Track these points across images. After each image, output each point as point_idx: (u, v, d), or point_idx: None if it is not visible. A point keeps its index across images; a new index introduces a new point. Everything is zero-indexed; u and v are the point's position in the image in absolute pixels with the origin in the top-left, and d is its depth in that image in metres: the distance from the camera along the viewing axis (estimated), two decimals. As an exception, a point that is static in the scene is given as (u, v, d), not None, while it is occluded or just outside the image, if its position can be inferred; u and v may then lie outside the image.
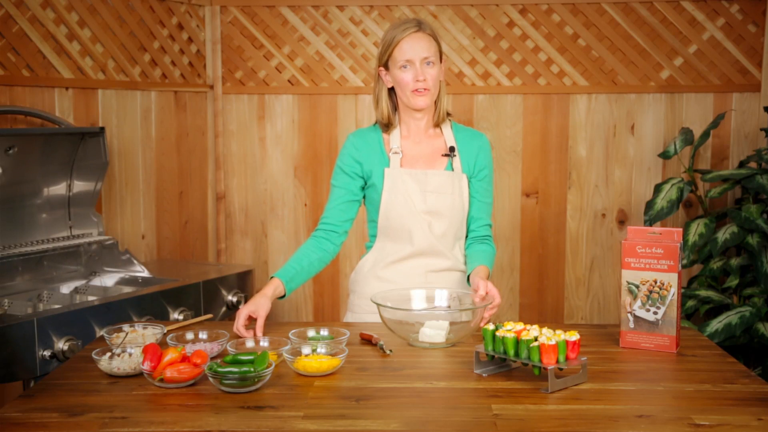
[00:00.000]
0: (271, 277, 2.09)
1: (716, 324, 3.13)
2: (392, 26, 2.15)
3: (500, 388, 1.62)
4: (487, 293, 1.97)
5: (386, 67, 2.16)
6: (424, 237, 2.16)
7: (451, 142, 2.22)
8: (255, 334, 1.94)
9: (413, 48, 2.10)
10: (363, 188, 2.24)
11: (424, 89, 2.12)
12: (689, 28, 3.61)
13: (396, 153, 2.19)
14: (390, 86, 2.19)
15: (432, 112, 2.22)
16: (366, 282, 2.24)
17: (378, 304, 1.92)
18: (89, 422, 1.45)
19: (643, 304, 1.87)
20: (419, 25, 2.12)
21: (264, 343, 1.83)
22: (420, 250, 2.17)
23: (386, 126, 2.23)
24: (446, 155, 2.20)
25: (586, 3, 3.64)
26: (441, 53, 2.17)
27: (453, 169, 2.19)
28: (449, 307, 2.05)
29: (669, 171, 3.70)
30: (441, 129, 2.24)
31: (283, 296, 2.08)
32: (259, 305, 1.99)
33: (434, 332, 1.89)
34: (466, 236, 2.27)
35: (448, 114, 2.25)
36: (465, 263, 2.24)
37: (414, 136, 2.22)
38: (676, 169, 3.68)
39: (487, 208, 2.26)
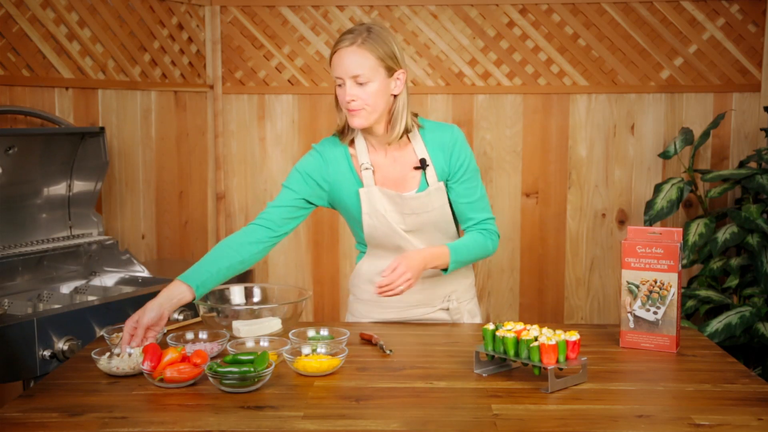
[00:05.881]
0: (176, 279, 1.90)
1: (716, 324, 3.13)
2: (343, 31, 1.99)
3: (500, 388, 1.62)
4: (394, 270, 1.87)
5: None
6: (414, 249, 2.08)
7: (422, 152, 2.05)
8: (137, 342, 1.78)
9: (341, 65, 1.93)
10: (312, 203, 2.09)
11: (358, 109, 1.95)
12: (689, 28, 3.61)
13: (367, 169, 2.04)
14: None
15: (385, 127, 2.03)
16: (361, 286, 2.19)
17: (197, 303, 1.95)
18: (89, 422, 1.45)
19: (643, 304, 1.88)
20: (354, 39, 1.92)
21: (264, 343, 1.83)
22: None
23: (341, 133, 2.06)
24: (418, 168, 2.05)
25: (586, 3, 3.64)
26: (390, 66, 1.95)
27: (428, 184, 2.05)
28: (245, 304, 2.09)
29: (669, 171, 3.70)
30: (408, 137, 2.06)
31: (192, 300, 1.89)
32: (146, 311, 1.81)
33: (247, 328, 1.92)
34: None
35: (415, 114, 2.07)
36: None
37: (379, 149, 2.06)
38: (676, 169, 3.68)
39: (474, 206, 2.07)
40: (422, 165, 2.05)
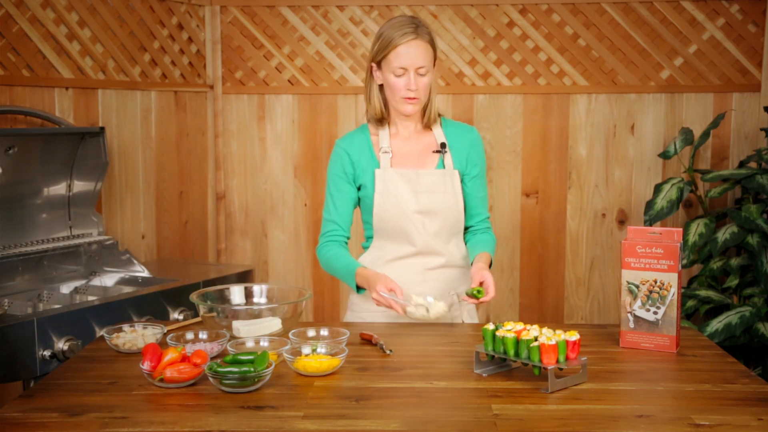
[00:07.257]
0: (356, 267, 2.14)
1: (716, 324, 3.13)
2: (390, 25, 2.09)
3: (500, 388, 1.62)
4: (482, 283, 2.01)
5: (379, 65, 2.13)
6: (420, 237, 2.15)
7: (442, 138, 2.20)
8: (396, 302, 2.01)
9: (409, 56, 2.06)
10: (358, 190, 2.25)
11: (415, 98, 2.10)
12: (689, 28, 3.61)
13: (386, 152, 2.17)
14: (381, 83, 2.16)
15: (420, 114, 2.19)
16: None
17: (197, 303, 1.97)
18: (89, 422, 1.45)
19: (643, 304, 1.87)
20: (417, 31, 2.07)
21: (264, 343, 1.83)
22: (419, 250, 2.16)
23: (379, 121, 2.19)
24: (437, 152, 2.18)
25: (586, 3, 3.64)
26: (436, 57, 2.13)
27: (444, 167, 2.18)
28: (248, 303, 2.10)
29: (669, 171, 3.70)
30: (430, 126, 2.22)
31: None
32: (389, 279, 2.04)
33: (247, 328, 1.91)
34: (466, 230, 2.27)
35: (439, 114, 2.23)
36: (462, 258, 2.23)
37: (403, 133, 2.20)
38: (676, 169, 3.68)
39: (482, 202, 2.26)
40: (442, 148, 2.19)
